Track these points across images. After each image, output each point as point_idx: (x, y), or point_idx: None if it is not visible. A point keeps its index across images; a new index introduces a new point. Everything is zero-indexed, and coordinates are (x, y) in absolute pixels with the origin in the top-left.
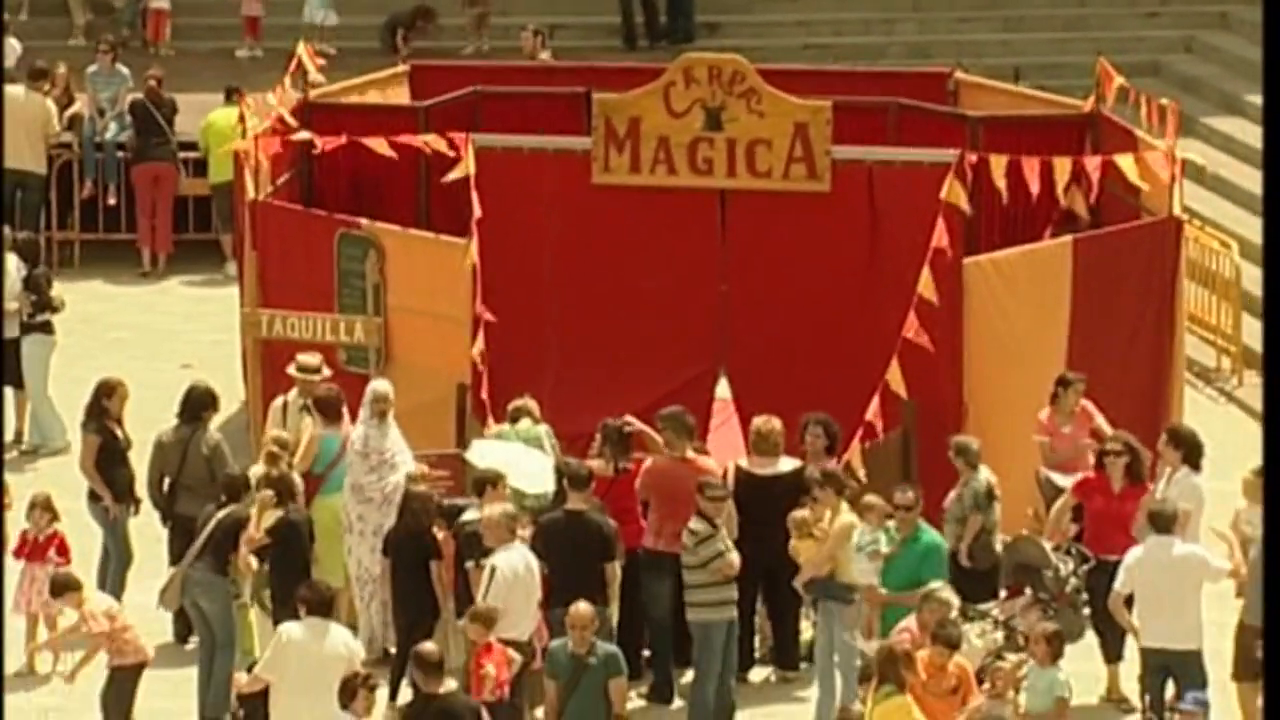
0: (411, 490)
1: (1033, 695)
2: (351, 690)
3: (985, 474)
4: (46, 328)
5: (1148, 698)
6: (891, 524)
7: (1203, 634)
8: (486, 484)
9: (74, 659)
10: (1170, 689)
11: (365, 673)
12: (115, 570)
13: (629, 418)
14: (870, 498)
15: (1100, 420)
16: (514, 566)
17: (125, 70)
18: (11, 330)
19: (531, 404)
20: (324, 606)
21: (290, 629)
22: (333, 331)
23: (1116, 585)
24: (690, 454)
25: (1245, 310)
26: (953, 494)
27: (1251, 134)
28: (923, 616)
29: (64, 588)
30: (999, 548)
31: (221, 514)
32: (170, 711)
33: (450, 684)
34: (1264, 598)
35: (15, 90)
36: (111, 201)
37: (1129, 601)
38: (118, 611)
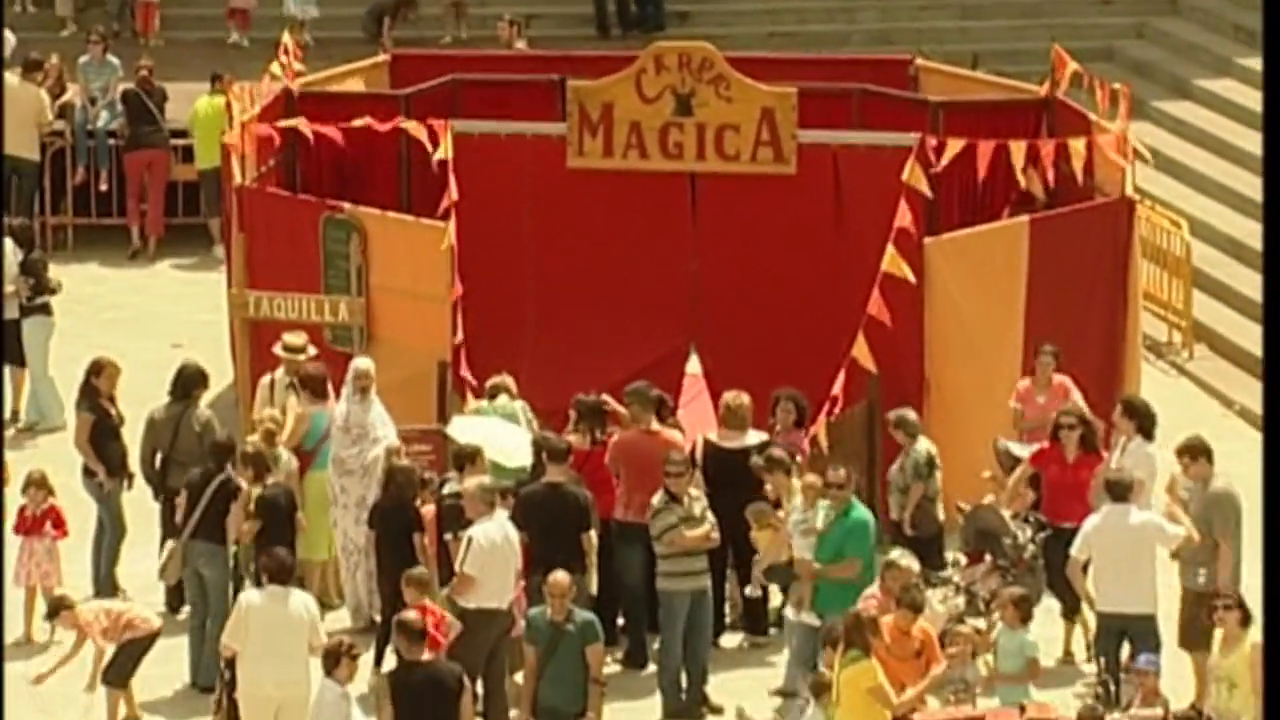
0: (395, 464)
1: (1004, 657)
2: (335, 657)
3: (925, 444)
4: (46, 310)
5: (1103, 660)
6: (826, 502)
7: (1157, 599)
8: (466, 458)
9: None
10: (1125, 651)
11: (348, 641)
12: (109, 543)
13: (605, 397)
14: (809, 477)
15: (1077, 397)
16: (491, 537)
17: (116, 61)
18: (10, 312)
19: (509, 381)
20: (284, 573)
21: (250, 597)
22: (318, 311)
23: (1074, 551)
24: (656, 426)
25: (1195, 286)
26: (895, 465)
27: (1201, 116)
28: (886, 583)
29: (58, 608)
30: (941, 515)
31: (215, 484)
32: (162, 678)
33: None
34: (1264, 596)
35: (10, 80)
36: (103, 187)
37: (1085, 568)
38: (111, 605)
